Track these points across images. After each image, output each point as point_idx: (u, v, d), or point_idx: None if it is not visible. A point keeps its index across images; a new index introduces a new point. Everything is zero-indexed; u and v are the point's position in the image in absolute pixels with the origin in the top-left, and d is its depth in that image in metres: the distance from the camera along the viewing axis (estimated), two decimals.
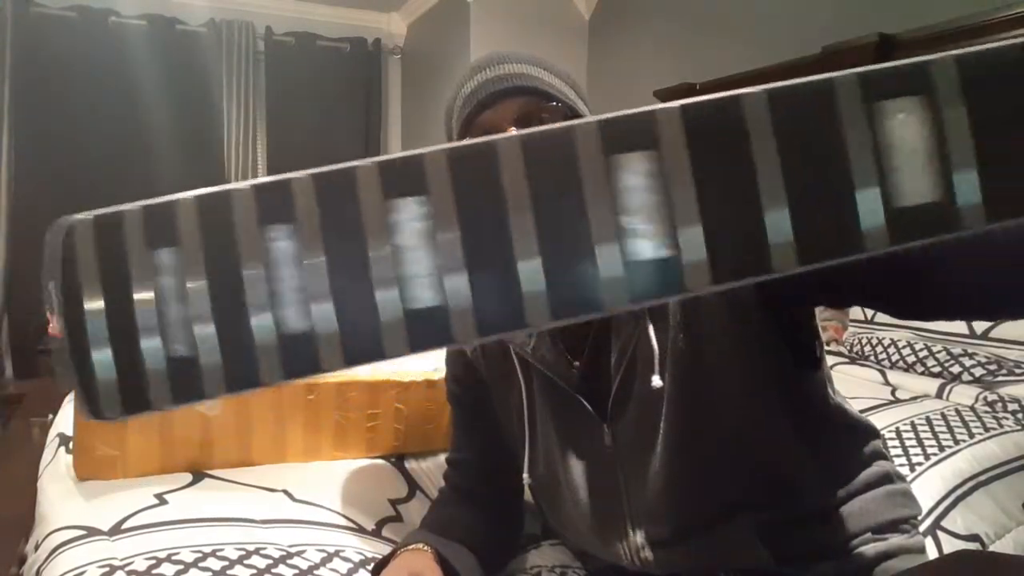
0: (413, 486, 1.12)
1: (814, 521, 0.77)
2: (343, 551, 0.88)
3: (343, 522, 0.97)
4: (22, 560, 1.03)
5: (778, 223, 0.22)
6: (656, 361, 0.75)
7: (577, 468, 0.82)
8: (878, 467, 0.82)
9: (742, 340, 0.74)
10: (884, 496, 0.82)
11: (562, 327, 0.84)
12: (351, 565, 0.85)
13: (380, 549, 0.92)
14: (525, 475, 0.86)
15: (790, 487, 0.77)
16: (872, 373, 1.68)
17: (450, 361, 1.00)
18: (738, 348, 0.74)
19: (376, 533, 0.97)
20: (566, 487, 0.82)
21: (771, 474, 0.76)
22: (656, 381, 0.74)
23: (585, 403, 0.80)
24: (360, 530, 0.96)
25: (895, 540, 0.80)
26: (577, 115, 0.80)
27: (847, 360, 1.81)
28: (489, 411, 0.93)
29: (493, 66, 0.77)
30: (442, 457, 1.07)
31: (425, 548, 0.82)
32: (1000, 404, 1.43)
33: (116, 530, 0.88)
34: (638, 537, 0.79)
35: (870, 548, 0.78)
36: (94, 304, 0.24)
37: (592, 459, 0.81)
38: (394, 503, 1.06)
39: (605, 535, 0.82)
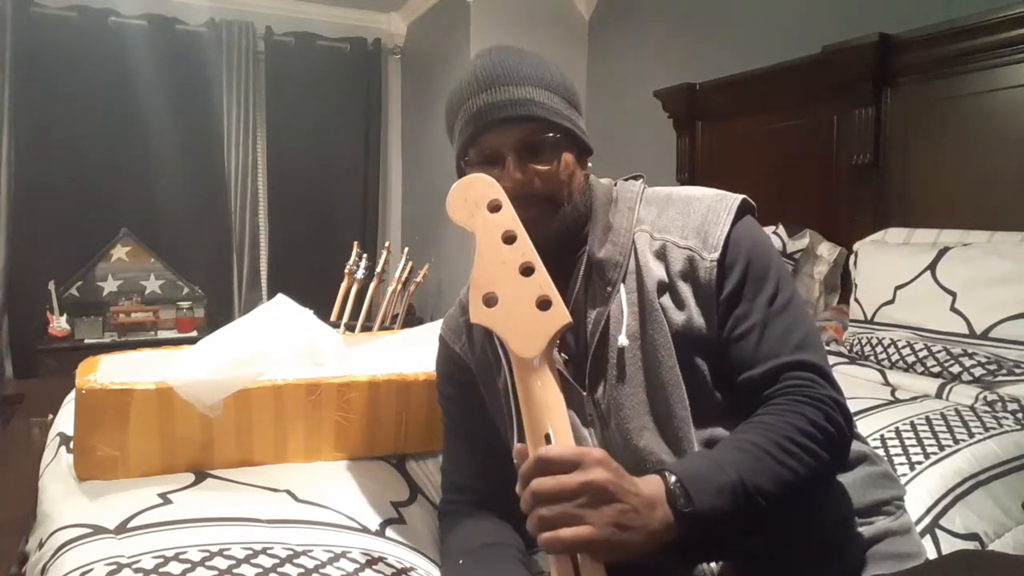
0: (415, 489, 1.12)
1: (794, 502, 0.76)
2: (350, 552, 0.88)
3: (348, 523, 0.96)
4: (23, 559, 1.02)
5: None
6: (625, 322, 0.78)
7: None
8: (853, 447, 0.82)
9: (707, 327, 0.80)
10: (864, 478, 0.83)
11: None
12: (358, 565, 0.85)
13: (387, 549, 0.93)
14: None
15: None
16: (872, 373, 1.67)
17: (440, 361, 1.00)
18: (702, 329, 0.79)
19: (380, 534, 0.97)
20: None
21: None
22: (622, 340, 0.78)
23: (566, 374, 0.81)
24: (365, 530, 0.96)
25: (881, 523, 0.81)
26: (572, 138, 0.83)
27: (847, 360, 1.81)
28: (482, 408, 0.94)
29: (497, 87, 0.79)
30: (442, 458, 1.06)
31: None
32: (1000, 404, 1.43)
33: (122, 529, 0.88)
34: None
35: (857, 533, 0.79)
36: None
37: (578, 434, 0.82)
38: (396, 505, 1.06)
39: None
